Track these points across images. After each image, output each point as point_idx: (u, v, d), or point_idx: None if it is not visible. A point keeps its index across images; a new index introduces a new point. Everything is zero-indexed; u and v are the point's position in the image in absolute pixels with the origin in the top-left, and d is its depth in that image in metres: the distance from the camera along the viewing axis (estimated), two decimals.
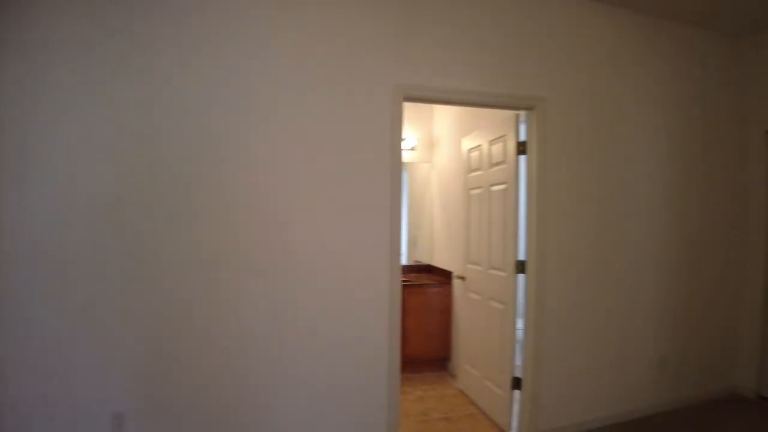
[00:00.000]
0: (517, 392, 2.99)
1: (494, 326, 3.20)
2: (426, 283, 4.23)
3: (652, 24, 3.31)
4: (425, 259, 4.82)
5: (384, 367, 2.61)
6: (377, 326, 2.60)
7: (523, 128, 3.01)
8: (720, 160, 3.60)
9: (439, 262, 4.61)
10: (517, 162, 3.00)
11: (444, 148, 4.53)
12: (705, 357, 3.56)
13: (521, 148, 2.98)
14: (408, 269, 4.66)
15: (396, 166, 2.60)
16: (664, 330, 3.37)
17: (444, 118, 4.55)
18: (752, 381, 3.56)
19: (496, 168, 3.23)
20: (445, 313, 4.23)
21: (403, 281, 3.25)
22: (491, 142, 3.30)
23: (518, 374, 2.99)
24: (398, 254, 2.63)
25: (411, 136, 4.68)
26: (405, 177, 4.50)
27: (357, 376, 2.56)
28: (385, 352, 2.61)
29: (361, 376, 2.57)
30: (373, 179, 2.57)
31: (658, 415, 3.30)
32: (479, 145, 3.49)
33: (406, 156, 4.62)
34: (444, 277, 4.36)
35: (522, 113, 2.99)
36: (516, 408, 3.00)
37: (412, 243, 4.86)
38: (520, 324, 2.98)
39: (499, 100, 2.84)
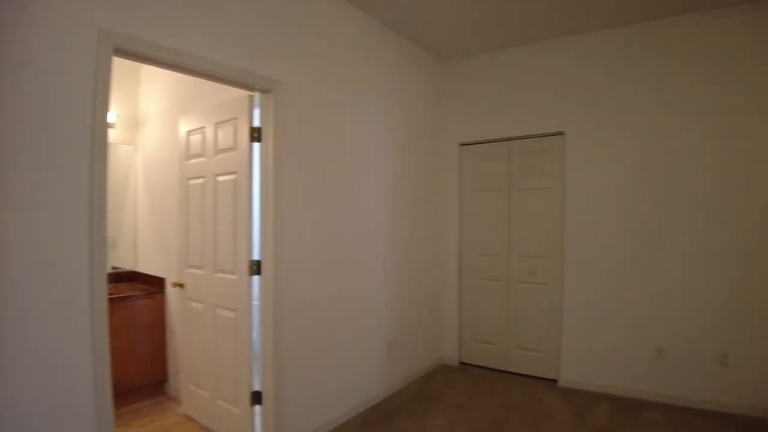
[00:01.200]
0: (258, 407, 2.67)
1: (226, 337, 2.78)
2: (131, 295, 3.38)
3: (380, 29, 3.57)
4: (127, 265, 3.88)
5: (89, 413, 1.82)
6: (73, 356, 1.77)
7: (257, 113, 2.69)
8: (427, 162, 4.24)
9: (147, 267, 3.78)
10: (250, 149, 2.66)
11: (154, 128, 3.73)
12: (422, 338, 4.13)
13: (256, 134, 2.66)
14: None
15: (100, 144, 1.84)
16: (392, 320, 3.70)
17: (155, 91, 3.74)
18: (455, 352, 4.39)
19: (224, 155, 2.81)
20: (158, 328, 3.50)
21: None
22: (218, 125, 2.84)
23: (258, 387, 2.67)
24: (103, 260, 1.88)
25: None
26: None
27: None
28: (88, 397, 1.81)
29: None
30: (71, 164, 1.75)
31: (394, 395, 3.64)
32: (202, 128, 2.97)
33: None
34: (154, 285, 3.60)
35: (257, 96, 2.67)
36: (258, 423, 2.68)
37: (110, 245, 3.84)
38: (256, 332, 2.67)
39: (235, 76, 2.41)
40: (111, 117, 3.68)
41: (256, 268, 2.66)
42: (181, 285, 3.13)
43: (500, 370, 4.16)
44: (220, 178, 2.83)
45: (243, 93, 2.65)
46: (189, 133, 3.09)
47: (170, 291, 3.45)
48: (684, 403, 3.36)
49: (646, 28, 3.53)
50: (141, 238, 3.86)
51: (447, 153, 4.43)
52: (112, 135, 3.74)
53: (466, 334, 4.35)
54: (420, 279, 4.11)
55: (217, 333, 2.85)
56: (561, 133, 3.87)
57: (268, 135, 2.65)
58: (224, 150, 2.80)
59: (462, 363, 4.37)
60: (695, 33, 3.37)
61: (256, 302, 2.69)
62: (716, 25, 3.30)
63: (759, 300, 3.17)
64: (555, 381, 3.88)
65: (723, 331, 3.28)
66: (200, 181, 2.99)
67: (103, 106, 1.85)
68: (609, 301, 3.66)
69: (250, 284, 2.66)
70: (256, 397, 2.66)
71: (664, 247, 3.47)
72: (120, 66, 2.10)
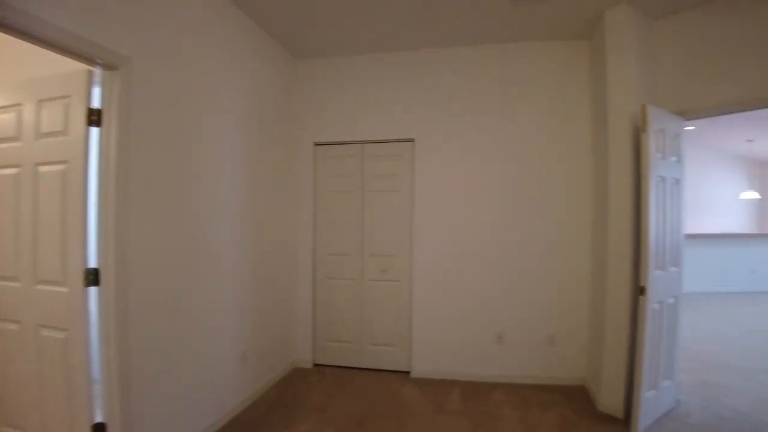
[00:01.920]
0: None
1: (54, 363, 2.27)
2: None
3: (244, 20, 3.32)
4: None
5: None
6: None
7: (97, 92, 2.25)
8: (282, 161, 4.07)
9: None
10: (87, 135, 2.21)
11: None
12: (278, 343, 3.95)
13: (95, 117, 2.22)
14: None
15: None
16: (246, 327, 3.45)
17: None
18: (308, 354, 4.29)
19: (50, 140, 2.29)
20: None
21: None
22: (42, 103, 2.31)
23: (101, 418, 2.24)
24: None
25: None
26: None
27: None
28: None
29: None
30: None
31: (253, 405, 3.42)
32: (17, 105, 2.38)
33: None
34: None
35: (98, 72, 2.23)
36: None
37: None
38: (95, 353, 2.24)
39: (70, 42, 1.97)
40: None
41: (93, 277, 2.23)
42: None
43: (356, 368, 4.22)
44: (44, 168, 2.30)
45: (80, 67, 2.19)
46: None
47: None
48: (522, 380, 3.85)
49: (489, 49, 3.96)
50: None
51: (302, 152, 4.31)
52: None
53: (320, 334, 4.31)
54: (275, 282, 3.93)
55: (42, 358, 2.31)
56: (411, 140, 4.09)
57: (110, 119, 2.24)
58: (50, 134, 2.28)
59: (316, 365, 4.31)
60: (521, 60, 3.91)
61: (94, 318, 2.25)
62: (539, 55, 3.88)
63: (579, 291, 3.80)
64: (408, 373, 4.08)
65: (551, 317, 3.85)
66: (12, 171, 2.40)
67: None
68: (454, 293, 3.99)
69: (85, 297, 2.22)
70: (99, 430, 2.24)
71: (503, 245, 3.93)
72: None
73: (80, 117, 2.20)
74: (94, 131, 2.24)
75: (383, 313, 4.16)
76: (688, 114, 3.23)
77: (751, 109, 3.04)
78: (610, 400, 3.23)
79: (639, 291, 2.89)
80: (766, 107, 2.97)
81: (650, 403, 2.97)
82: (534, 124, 3.89)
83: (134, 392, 2.31)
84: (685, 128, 3.33)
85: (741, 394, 3.51)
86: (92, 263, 2.25)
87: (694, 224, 8.41)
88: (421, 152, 4.06)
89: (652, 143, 2.92)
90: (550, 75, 3.87)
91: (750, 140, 8.21)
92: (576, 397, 3.54)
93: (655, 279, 2.92)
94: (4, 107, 2.42)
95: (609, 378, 3.24)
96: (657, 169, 2.96)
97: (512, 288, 3.90)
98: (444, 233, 4.01)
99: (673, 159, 3.17)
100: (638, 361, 2.90)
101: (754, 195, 8.97)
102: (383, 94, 4.14)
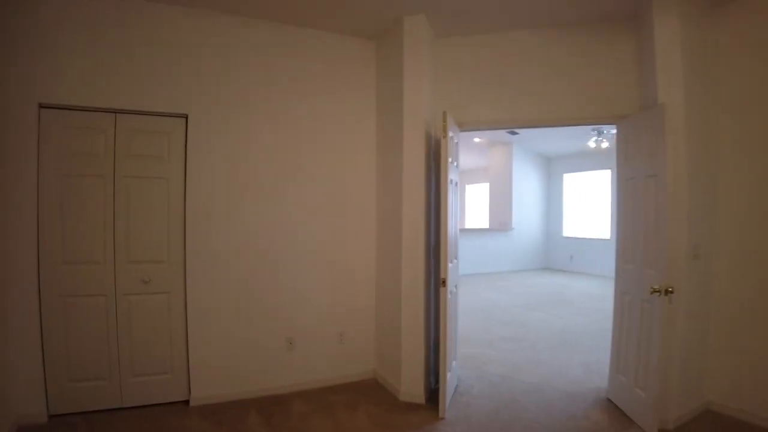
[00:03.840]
0: None
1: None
2: None
3: None
4: None
5: None
6: None
7: None
8: None
9: None
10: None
11: None
12: None
13: None
14: None
15: None
16: None
17: None
18: (39, 403, 3.01)
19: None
20: None
21: None
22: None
23: None
24: None
25: None
26: None
27: None
28: None
29: None
30: None
31: None
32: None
33: None
34: None
35: None
36: None
37: None
38: None
39: None
40: None
41: None
42: None
43: (115, 409, 3.18)
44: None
45: None
46: None
47: None
48: (316, 384, 3.67)
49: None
50: None
51: (16, 116, 2.90)
52: None
53: (56, 374, 3.06)
54: None
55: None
56: (184, 116, 3.30)
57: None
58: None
59: (54, 416, 3.06)
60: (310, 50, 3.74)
61: None
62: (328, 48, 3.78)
63: (366, 287, 3.88)
64: (187, 402, 3.33)
65: (340, 315, 3.80)
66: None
67: None
68: (238, 301, 3.47)
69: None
70: None
71: (294, 244, 3.64)
72: None
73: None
74: None
75: (147, 335, 3.24)
76: (462, 126, 3.68)
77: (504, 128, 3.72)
78: (411, 389, 3.39)
79: (441, 282, 3.11)
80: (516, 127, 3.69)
81: (449, 383, 3.26)
82: (324, 117, 3.74)
83: None
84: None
85: (496, 361, 4.27)
86: None
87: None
88: (197, 132, 3.30)
89: (449, 149, 3.18)
90: (337, 69, 3.79)
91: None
92: (372, 391, 3.59)
93: (450, 271, 3.20)
94: None
95: (409, 368, 3.40)
96: (450, 173, 3.25)
97: (302, 289, 3.66)
98: (226, 232, 3.41)
99: (455, 164, 3.56)
100: (443, 346, 3.14)
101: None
102: (147, 50, 3.18)
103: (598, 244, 10.38)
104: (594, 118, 3.57)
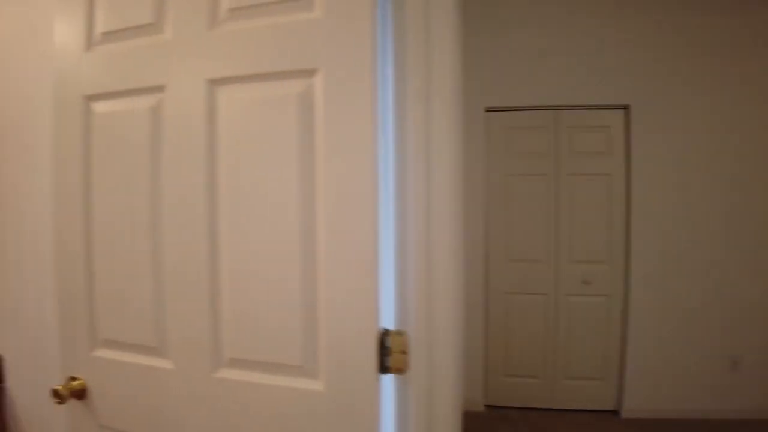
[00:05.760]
0: None
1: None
2: None
3: None
4: None
5: None
6: None
7: None
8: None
9: None
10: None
11: None
12: None
13: None
14: None
15: None
16: None
17: None
18: (478, 393, 3.10)
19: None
20: None
21: None
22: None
23: None
24: None
25: None
26: None
27: None
28: None
29: None
30: None
31: None
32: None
33: None
34: None
35: None
36: None
37: None
38: None
39: None
40: None
41: None
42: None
43: (542, 409, 3.13)
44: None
45: None
46: None
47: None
48: (761, 415, 2.98)
49: None
50: None
51: (468, 118, 3.06)
52: None
53: (494, 367, 3.14)
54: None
55: None
56: (625, 107, 3.01)
57: None
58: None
59: (488, 406, 3.15)
60: None
61: None
62: None
63: None
64: (617, 412, 3.07)
65: None
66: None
67: None
68: (681, 311, 3.03)
69: None
70: None
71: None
72: None
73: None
74: None
75: (583, 339, 3.08)
76: None
77: None
78: None
79: None
80: None
81: None
82: None
83: None
84: None
85: None
86: None
87: None
88: (638, 124, 2.98)
89: None
90: None
91: None
92: None
93: None
94: None
95: None
96: None
97: (749, 299, 3.01)
98: (673, 233, 2.99)
99: None
100: None
101: None
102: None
103: None
104: None
